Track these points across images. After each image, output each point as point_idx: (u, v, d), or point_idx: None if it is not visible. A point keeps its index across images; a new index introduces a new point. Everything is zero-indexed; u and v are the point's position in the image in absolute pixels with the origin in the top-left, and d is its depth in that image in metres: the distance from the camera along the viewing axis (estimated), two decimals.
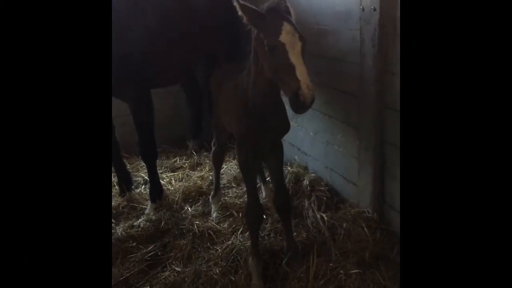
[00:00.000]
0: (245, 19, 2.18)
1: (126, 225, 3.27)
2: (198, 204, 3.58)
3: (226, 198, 3.58)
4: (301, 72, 2.02)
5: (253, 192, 2.62)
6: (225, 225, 3.21)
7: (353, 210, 3.08)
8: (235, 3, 2.16)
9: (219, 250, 2.88)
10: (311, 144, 3.73)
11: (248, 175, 2.61)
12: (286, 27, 2.08)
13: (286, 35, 2.07)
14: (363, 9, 2.73)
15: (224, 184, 3.84)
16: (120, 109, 3.79)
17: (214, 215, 3.36)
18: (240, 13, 2.17)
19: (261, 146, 2.55)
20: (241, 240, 2.94)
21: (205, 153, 4.50)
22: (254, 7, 2.18)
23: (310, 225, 3.06)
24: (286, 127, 2.67)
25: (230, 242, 2.94)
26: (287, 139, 4.05)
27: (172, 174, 4.15)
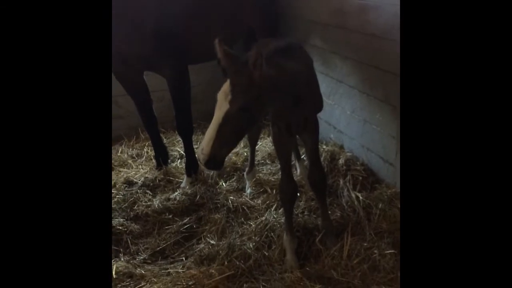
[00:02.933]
0: (222, 62, 2.13)
1: (163, 197, 3.34)
2: (233, 179, 3.62)
3: (260, 174, 3.59)
4: (206, 135, 2.02)
5: (286, 168, 2.61)
6: (259, 201, 3.23)
7: (389, 191, 3.04)
8: (216, 45, 2.09)
9: (253, 225, 2.92)
10: (347, 122, 3.68)
11: (282, 151, 2.60)
12: (225, 85, 2.04)
13: (220, 94, 2.04)
14: None
15: (258, 161, 3.85)
16: (157, 84, 3.85)
17: (248, 191, 3.39)
18: (219, 55, 2.10)
19: (294, 122, 2.52)
20: (275, 216, 2.96)
21: None
22: (234, 54, 2.11)
23: (344, 204, 3.04)
24: (319, 104, 2.63)
25: (264, 218, 2.96)
26: (323, 117, 4.01)
27: None
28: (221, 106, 2.01)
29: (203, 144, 2.02)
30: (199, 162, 2.07)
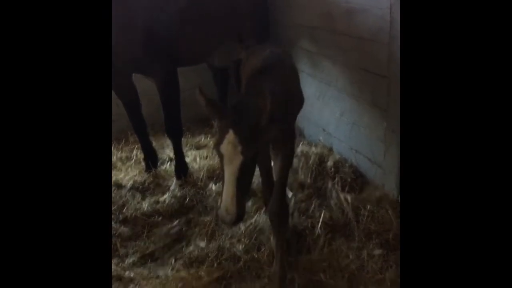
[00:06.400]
0: (208, 112, 2.05)
1: (152, 200, 3.33)
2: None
3: None
4: (226, 192, 1.90)
5: (265, 173, 2.60)
6: (249, 204, 3.22)
7: (377, 192, 3.06)
8: (198, 96, 2.02)
9: (242, 227, 2.91)
10: (336, 125, 3.70)
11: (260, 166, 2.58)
12: (229, 136, 1.90)
13: (226, 146, 1.90)
14: None
15: None
16: (147, 87, 3.84)
17: None
18: (202, 104, 2.03)
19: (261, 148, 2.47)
20: (264, 219, 2.97)
21: None
22: (219, 104, 2.07)
23: (333, 206, 3.06)
24: (298, 105, 2.65)
25: (253, 220, 2.96)
26: (312, 120, 4.03)
27: (197, 151, 4.20)
28: (233, 159, 1.89)
29: (226, 204, 1.89)
30: (223, 224, 2.01)
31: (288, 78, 2.61)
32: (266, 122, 1.93)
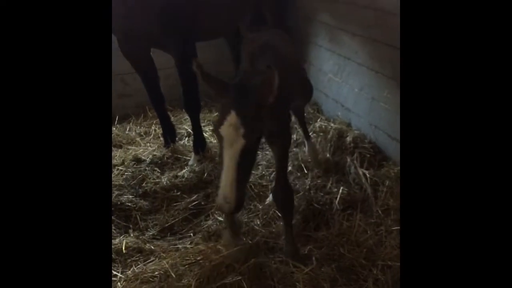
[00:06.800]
0: (211, 91, 1.91)
1: (171, 175, 3.36)
2: None
3: (267, 152, 3.60)
4: (225, 179, 1.75)
5: None
6: (266, 180, 3.24)
7: (396, 168, 3.04)
8: (197, 72, 1.86)
9: (260, 202, 2.94)
10: (355, 100, 3.66)
11: None
12: (231, 118, 1.74)
13: (227, 129, 1.75)
14: None
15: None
16: (164, 62, 3.83)
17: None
18: (201, 79, 1.89)
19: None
20: None
21: None
22: (218, 79, 1.89)
23: (351, 182, 3.05)
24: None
25: (271, 195, 2.97)
26: (330, 95, 3.99)
27: None
28: (234, 143, 1.74)
29: (224, 191, 1.75)
30: (220, 210, 1.97)
31: (288, 63, 2.53)
32: (273, 100, 1.79)
